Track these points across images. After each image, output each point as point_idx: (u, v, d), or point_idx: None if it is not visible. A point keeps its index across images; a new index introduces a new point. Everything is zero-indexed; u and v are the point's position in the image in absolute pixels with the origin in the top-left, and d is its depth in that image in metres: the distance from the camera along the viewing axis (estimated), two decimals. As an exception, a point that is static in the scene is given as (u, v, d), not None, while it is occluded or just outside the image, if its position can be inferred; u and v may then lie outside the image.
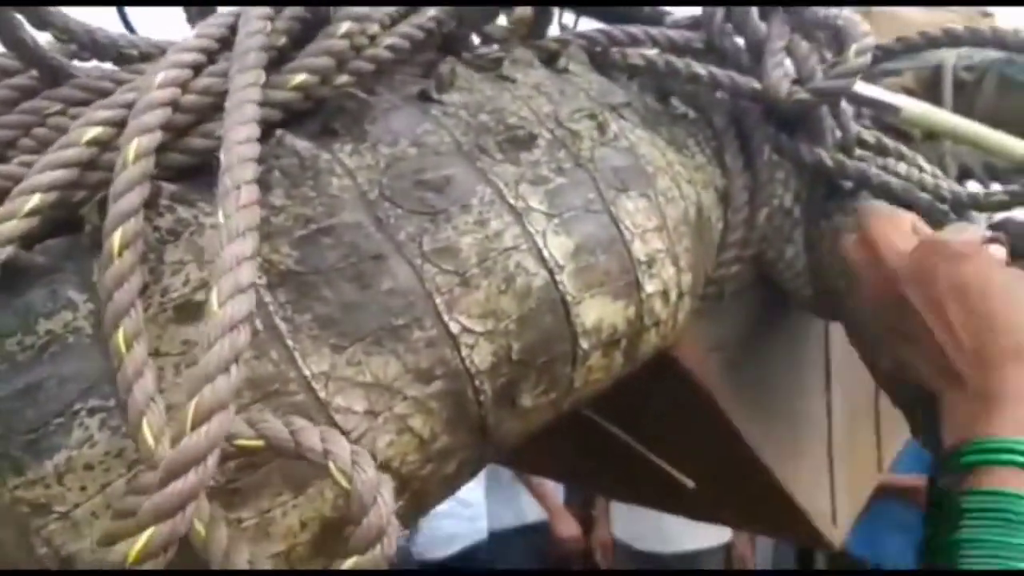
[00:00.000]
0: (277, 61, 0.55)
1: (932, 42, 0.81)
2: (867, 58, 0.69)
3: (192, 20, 0.67)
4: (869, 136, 0.82)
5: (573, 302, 0.55)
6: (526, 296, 0.53)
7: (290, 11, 0.57)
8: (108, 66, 0.64)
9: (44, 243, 0.48)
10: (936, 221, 0.72)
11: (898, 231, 0.67)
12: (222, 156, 0.45)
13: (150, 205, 0.48)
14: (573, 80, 0.68)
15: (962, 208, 0.74)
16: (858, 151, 0.81)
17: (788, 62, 0.74)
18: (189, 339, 0.45)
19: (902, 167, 0.78)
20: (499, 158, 0.57)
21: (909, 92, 1.57)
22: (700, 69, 0.74)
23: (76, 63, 0.63)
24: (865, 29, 0.71)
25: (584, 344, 0.56)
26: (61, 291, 0.46)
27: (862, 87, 1.34)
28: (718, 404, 0.78)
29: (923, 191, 0.73)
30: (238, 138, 0.45)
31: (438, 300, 0.50)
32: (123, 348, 0.42)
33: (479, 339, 0.51)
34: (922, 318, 0.60)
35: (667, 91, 0.76)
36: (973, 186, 1.51)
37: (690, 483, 0.91)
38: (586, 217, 0.57)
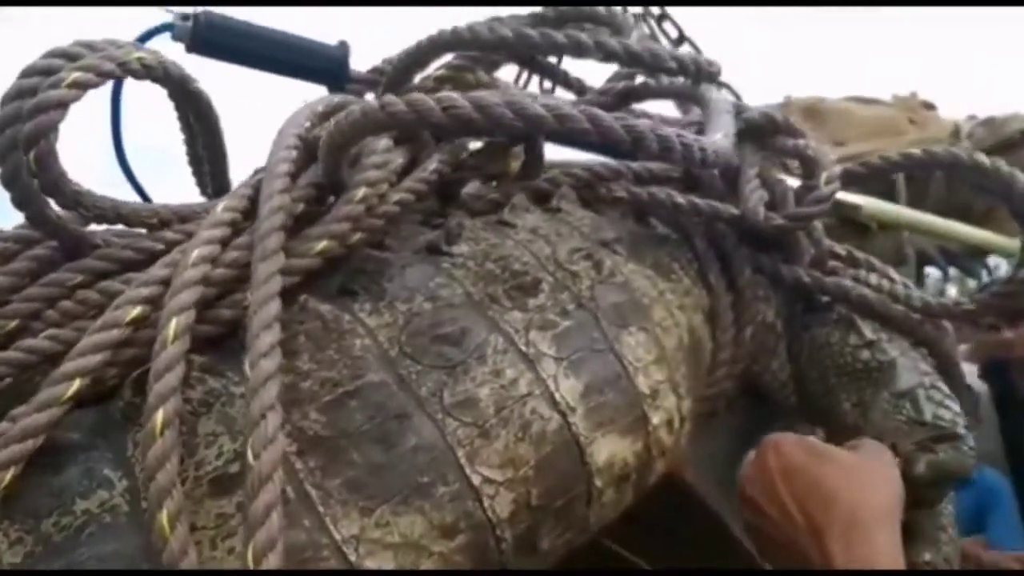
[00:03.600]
0: (295, 227, 0.59)
1: (893, 167, 0.87)
2: (837, 185, 0.75)
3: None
4: (840, 249, 0.88)
5: (586, 442, 0.58)
6: (542, 441, 0.56)
7: (305, 178, 0.61)
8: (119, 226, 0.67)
9: (74, 416, 0.50)
10: (907, 330, 0.77)
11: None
12: (248, 336, 0.48)
13: (183, 378, 0.50)
14: (566, 219, 0.73)
15: (932, 316, 0.79)
16: (831, 263, 0.87)
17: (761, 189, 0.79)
18: (224, 512, 0.47)
19: (873, 278, 0.83)
20: (508, 306, 0.60)
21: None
22: (680, 199, 0.80)
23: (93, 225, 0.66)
24: (832, 158, 0.77)
25: (598, 482, 0.58)
26: (96, 469, 0.48)
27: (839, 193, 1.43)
28: (717, 514, 0.80)
29: (896, 302, 0.78)
30: (265, 318, 0.48)
31: (460, 453, 0.52)
32: (167, 529, 0.44)
33: (499, 488, 0.53)
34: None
35: (647, 215, 0.80)
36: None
37: None
38: (592, 357, 0.61)
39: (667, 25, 1.43)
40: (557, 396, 0.57)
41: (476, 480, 0.53)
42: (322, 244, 0.57)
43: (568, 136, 0.56)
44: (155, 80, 0.58)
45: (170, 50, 0.79)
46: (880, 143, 1.70)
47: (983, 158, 0.74)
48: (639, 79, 0.75)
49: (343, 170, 0.60)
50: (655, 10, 1.41)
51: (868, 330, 0.76)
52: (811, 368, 0.79)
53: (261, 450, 0.43)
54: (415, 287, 0.58)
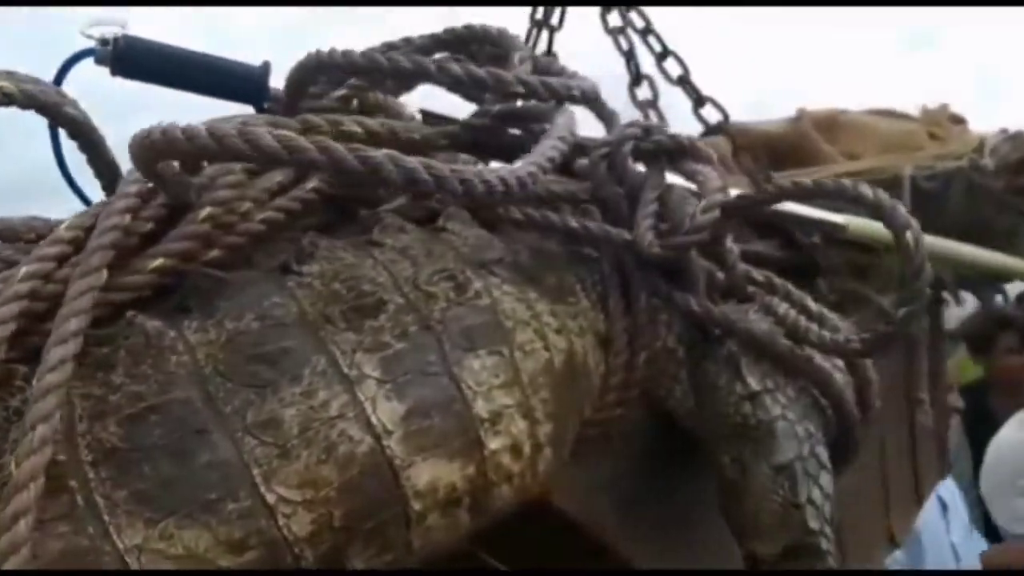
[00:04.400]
0: (141, 245, 0.61)
1: (840, 192, 0.81)
2: (714, 215, 0.72)
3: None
4: (759, 275, 0.84)
5: (402, 466, 0.58)
6: (349, 463, 0.56)
7: (159, 200, 0.64)
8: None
9: None
10: (792, 368, 0.74)
11: None
12: (46, 349, 0.50)
13: (3, 385, 0.53)
14: (447, 239, 0.73)
15: (827, 352, 0.75)
16: (751, 288, 0.84)
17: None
18: None
19: (783, 307, 0.79)
20: (342, 327, 0.61)
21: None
22: (574, 223, 0.79)
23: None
24: (716, 185, 0.74)
25: (417, 506, 0.59)
26: None
27: (807, 210, 1.38)
28: (606, 541, 0.79)
29: (793, 336, 0.75)
30: (63, 333, 0.51)
31: (255, 472, 0.54)
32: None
33: (297, 508, 0.54)
34: None
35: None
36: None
37: None
38: (422, 380, 0.61)
39: (652, 39, 1.40)
40: (373, 419, 0.58)
41: (271, 499, 0.54)
42: (157, 262, 0.60)
43: (301, 167, 0.56)
44: (21, 107, 0.62)
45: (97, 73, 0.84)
46: (894, 158, 1.62)
47: (859, 188, 0.70)
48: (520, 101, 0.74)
49: (189, 191, 0.62)
50: (638, 22, 1.39)
51: (754, 379, 0.74)
52: (702, 406, 0.77)
53: (24, 459, 0.46)
54: (248, 305, 0.60)
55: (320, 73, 0.71)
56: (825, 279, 1.42)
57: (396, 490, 0.58)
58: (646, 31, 1.39)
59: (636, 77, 1.31)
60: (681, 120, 1.44)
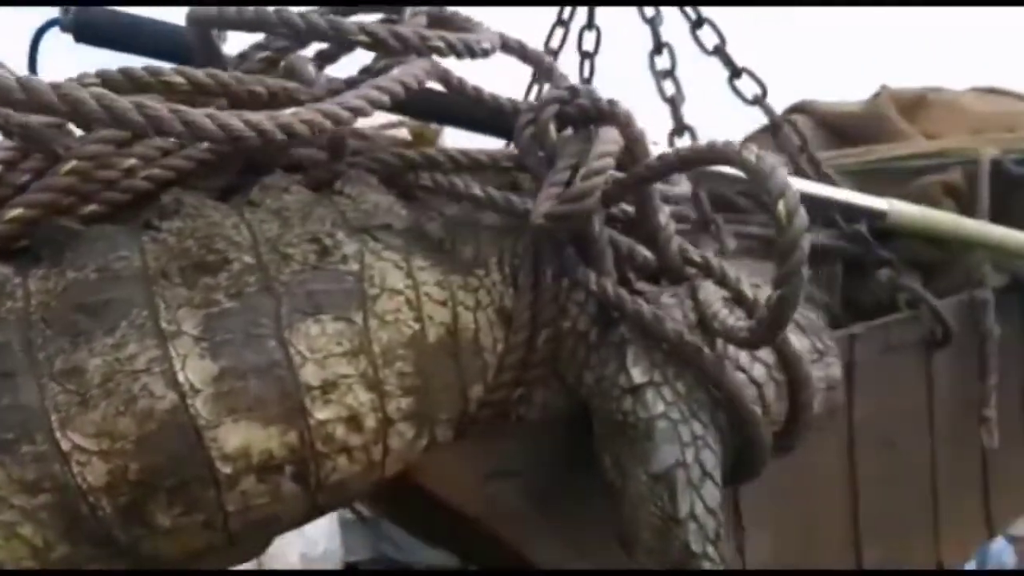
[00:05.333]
0: (13, 196, 0.64)
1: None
2: (595, 181, 0.64)
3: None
4: (697, 256, 0.76)
5: (207, 426, 0.57)
6: (147, 418, 0.56)
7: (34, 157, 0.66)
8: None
9: None
10: (682, 356, 0.65)
11: None
12: None
13: None
14: (338, 202, 0.71)
15: (723, 339, 0.66)
16: (690, 270, 0.76)
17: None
18: None
19: (709, 291, 0.71)
20: (177, 282, 0.60)
21: (954, 189, 1.41)
22: (477, 190, 0.74)
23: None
24: (601, 151, 0.66)
25: (226, 469, 0.57)
26: None
27: (848, 195, 1.23)
28: (498, 532, 0.74)
29: (678, 319, 0.67)
30: None
31: (54, 417, 0.54)
32: None
33: (92, 457, 0.54)
34: None
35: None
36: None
37: None
38: (246, 341, 0.59)
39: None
40: (180, 376, 0.57)
41: (66, 445, 0.54)
42: (14, 212, 0.62)
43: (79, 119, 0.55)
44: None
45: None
46: (979, 139, 1.42)
47: (742, 152, 0.59)
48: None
49: (52, 143, 0.64)
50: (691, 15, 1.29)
51: (639, 370, 0.66)
52: (591, 396, 0.70)
53: None
54: (93, 257, 0.61)
55: (202, 26, 0.71)
56: (889, 271, 1.27)
57: (200, 451, 0.57)
58: (698, 23, 1.28)
59: (657, 46, 1.22)
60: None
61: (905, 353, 1.14)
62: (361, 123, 0.97)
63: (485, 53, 0.68)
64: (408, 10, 0.68)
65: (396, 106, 0.86)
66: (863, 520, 1.05)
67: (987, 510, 1.28)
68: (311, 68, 0.76)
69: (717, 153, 0.62)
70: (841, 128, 1.57)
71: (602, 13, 1.46)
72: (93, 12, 0.87)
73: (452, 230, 0.74)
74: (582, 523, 0.79)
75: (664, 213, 0.77)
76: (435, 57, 0.68)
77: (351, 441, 0.62)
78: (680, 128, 1.15)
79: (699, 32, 1.29)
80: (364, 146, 0.81)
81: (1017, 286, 1.33)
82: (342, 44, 0.68)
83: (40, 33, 0.88)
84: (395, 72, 0.61)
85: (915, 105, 1.57)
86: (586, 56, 1.49)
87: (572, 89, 0.75)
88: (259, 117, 0.54)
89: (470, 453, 0.73)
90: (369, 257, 0.67)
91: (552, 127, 0.74)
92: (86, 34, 0.88)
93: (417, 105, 0.89)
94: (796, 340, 0.71)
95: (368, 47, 0.65)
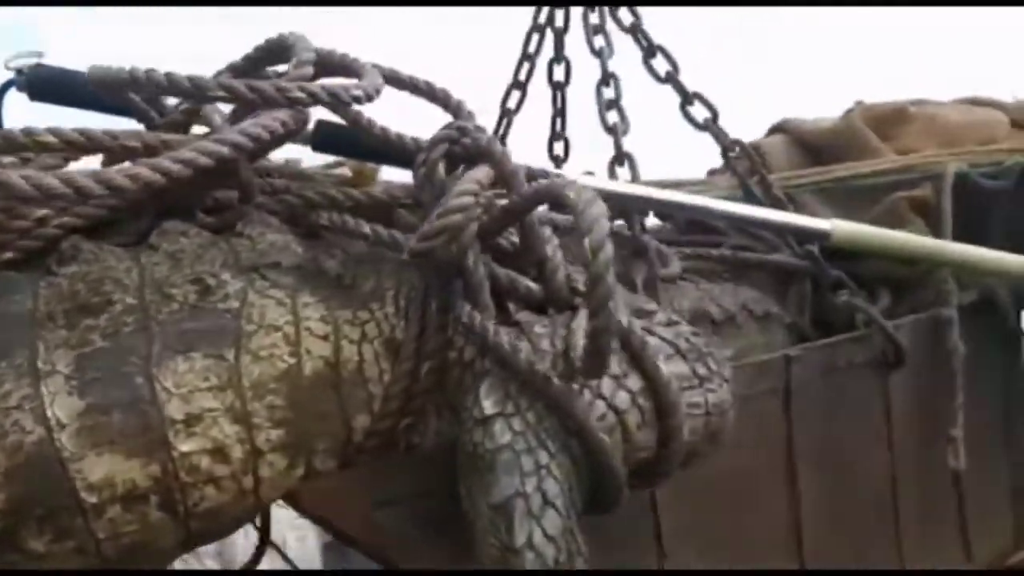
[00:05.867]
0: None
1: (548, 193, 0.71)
2: (450, 219, 0.67)
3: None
4: (583, 286, 0.77)
5: (72, 458, 0.61)
6: (16, 452, 0.60)
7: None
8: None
9: None
10: (532, 388, 0.66)
11: None
12: None
13: None
14: (234, 244, 0.75)
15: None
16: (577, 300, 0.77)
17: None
18: None
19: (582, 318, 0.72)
20: (60, 323, 0.65)
21: (923, 205, 1.38)
22: (366, 228, 0.77)
23: None
24: (462, 189, 0.68)
25: (91, 498, 0.61)
26: None
27: (788, 217, 1.23)
28: (390, 559, 0.76)
29: (546, 349, 0.68)
30: None
31: None
32: None
33: None
34: None
35: None
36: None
37: None
38: (113, 379, 0.63)
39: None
40: (49, 412, 0.61)
41: None
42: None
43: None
44: None
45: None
46: (945, 153, 1.39)
47: (564, 188, 0.61)
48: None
49: None
50: (626, 18, 1.31)
51: (490, 401, 0.66)
52: (455, 426, 0.71)
53: None
54: None
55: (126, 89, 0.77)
56: (843, 292, 1.26)
57: (66, 481, 0.61)
58: (634, 28, 1.31)
59: (604, 77, 1.24)
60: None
61: (856, 373, 1.12)
62: (306, 163, 1.03)
63: (357, 100, 0.72)
64: (293, 60, 0.72)
65: (318, 146, 0.91)
66: (808, 540, 1.02)
67: (964, 536, 1.23)
68: (217, 117, 0.81)
69: (552, 191, 0.64)
70: (815, 146, 1.55)
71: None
72: (45, 72, 0.94)
73: (353, 266, 0.77)
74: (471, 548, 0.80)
75: (552, 243, 0.79)
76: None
77: (217, 471, 0.65)
78: (620, 157, 1.16)
79: (652, 61, 1.31)
80: (292, 186, 0.85)
81: (985, 303, 1.29)
82: (203, 99, 0.72)
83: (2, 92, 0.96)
84: (245, 124, 0.64)
85: (895, 119, 1.55)
86: (558, 87, 1.52)
87: (461, 128, 0.78)
88: (77, 175, 0.58)
89: (359, 481, 0.75)
90: (252, 295, 0.71)
91: (440, 166, 0.77)
92: (40, 92, 0.95)
93: (338, 145, 0.95)
94: (670, 366, 0.72)
95: (227, 101, 0.70)
